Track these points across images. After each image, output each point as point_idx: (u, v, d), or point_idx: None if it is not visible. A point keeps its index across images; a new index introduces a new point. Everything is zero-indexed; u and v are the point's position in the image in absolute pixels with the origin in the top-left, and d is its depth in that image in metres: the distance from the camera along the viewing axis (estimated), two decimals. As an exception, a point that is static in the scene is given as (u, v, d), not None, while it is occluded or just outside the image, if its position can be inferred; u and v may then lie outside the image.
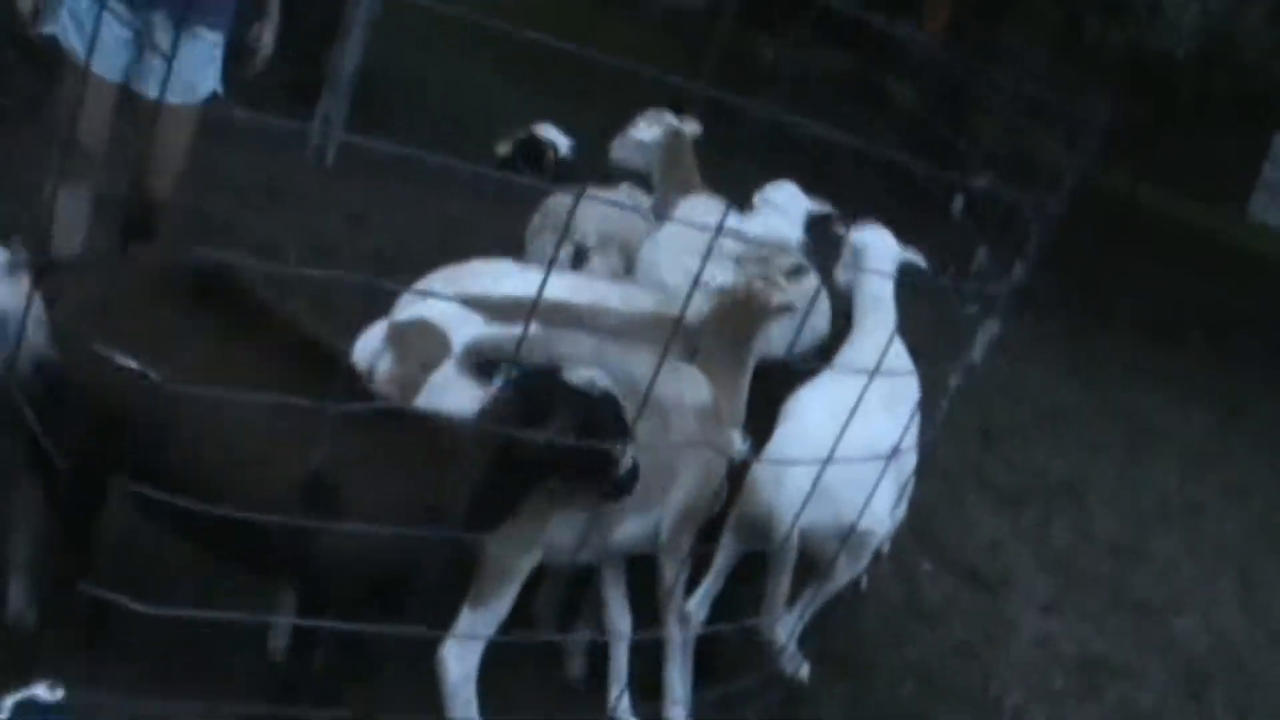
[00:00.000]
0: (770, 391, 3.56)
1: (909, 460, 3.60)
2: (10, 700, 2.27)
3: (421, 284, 3.24)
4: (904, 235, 3.99)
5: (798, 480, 3.15)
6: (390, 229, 6.18)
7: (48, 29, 3.63)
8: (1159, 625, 5.09)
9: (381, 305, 3.48)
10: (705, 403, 3.31)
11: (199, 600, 3.20)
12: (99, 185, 3.85)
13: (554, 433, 2.63)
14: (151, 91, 3.70)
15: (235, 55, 3.92)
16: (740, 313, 3.49)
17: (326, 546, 2.62)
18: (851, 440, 3.00)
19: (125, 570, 3.15)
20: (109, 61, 3.68)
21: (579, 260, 4.23)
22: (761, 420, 3.49)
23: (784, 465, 3.22)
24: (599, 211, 4.21)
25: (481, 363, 2.88)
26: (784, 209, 4.34)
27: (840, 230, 3.93)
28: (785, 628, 3.38)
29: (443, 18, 2.53)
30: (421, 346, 3.06)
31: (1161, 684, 4.64)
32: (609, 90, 4.95)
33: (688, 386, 3.32)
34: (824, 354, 3.94)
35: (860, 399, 3.00)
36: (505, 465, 2.70)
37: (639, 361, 3.12)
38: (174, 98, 3.70)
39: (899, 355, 3.69)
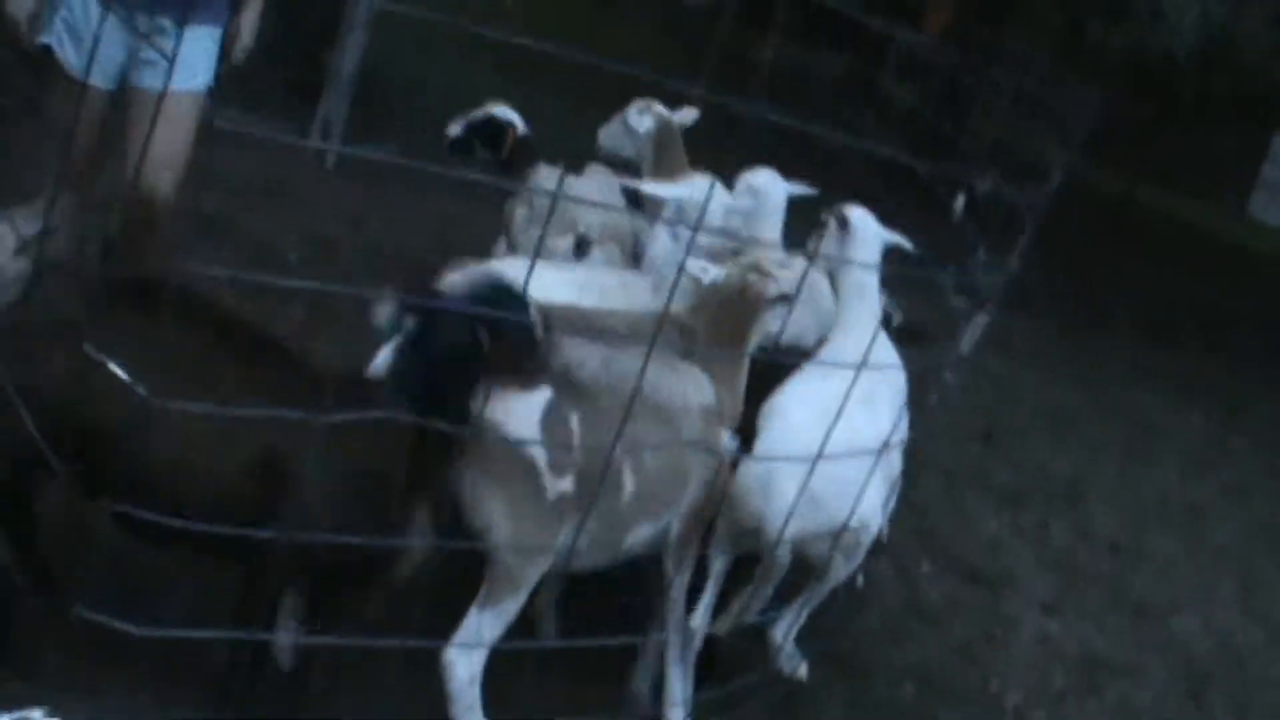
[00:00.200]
0: (764, 387, 3.53)
1: (899, 453, 3.58)
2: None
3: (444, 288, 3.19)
4: (904, 235, 3.98)
5: (785, 487, 3.13)
6: (390, 228, 6.18)
7: (43, 39, 3.59)
8: (1159, 625, 5.09)
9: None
10: (709, 403, 3.31)
11: (198, 601, 3.21)
12: (92, 188, 3.83)
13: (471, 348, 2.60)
14: (151, 86, 3.68)
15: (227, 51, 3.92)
16: (736, 307, 3.44)
17: (296, 514, 2.62)
18: (837, 440, 2.99)
19: (125, 572, 3.15)
20: (104, 70, 3.66)
21: (580, 251, 4.23)
22: (753, 418, 3.46)
23: (771, 471, 3.18)
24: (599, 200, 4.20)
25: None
26: (764, 193, 4.31)
27: (824, 214, 3.83)
28: (783, 627, 3.38)
29: (443, 17, 2.53)
30: None
31: (1161, 683, 4.64)
32: (609, 89, 4.94)
33: (692, 388, 3.31)
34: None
35: (847, 396, 2.98)
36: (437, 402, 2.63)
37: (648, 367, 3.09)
38: (174, 86, 3.64)
39: (883, 347, 3.63)
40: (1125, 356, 9.31)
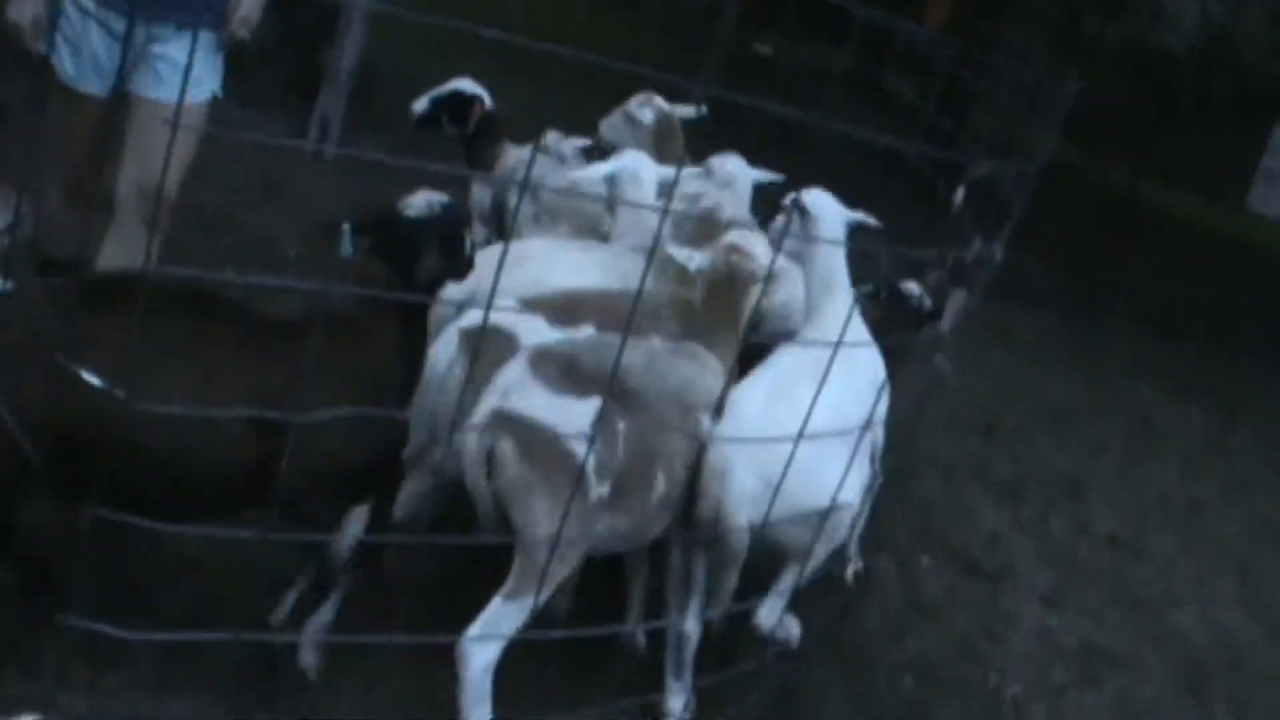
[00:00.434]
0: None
1: (878, 433, 3.52)
2: None
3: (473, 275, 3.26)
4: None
5: (741, 473, 3.12)
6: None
7: (42, 49, 3.57)
8: (1158, 619, 5.09)
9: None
10: (715, 390, 3.34)
11: (197, 602, 3.21)
12: (92, 194, 3.81)
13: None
14: (150, 94, 3.68)
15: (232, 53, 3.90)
16: (725, 290, 3.46)
17: (301, 460, 2.71)
18: (794, 422, 2.97)
19: (123, 573, 3.15)
20: (102, 79, 3.66)
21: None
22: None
23: (728, 459, 3.18)
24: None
25: (550, 369, 2.94)
26: (731, 179, 4.34)
27: (784, 201, 3.76)
28: (772, 612, 3.35)
29: (442, 16, 2.53)
30: (493, 351, 3.10)
31: (1161, 677, 4.64)
32: (609, 88, 4.94)
33: (711, 378, 3.36)
34: None
35: (824, 383, 2.95)
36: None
37: (680, 362, 3.26)
38: (173, 98, 3.64)
39: (854, 330, 3.54)
40: (1126, 351, 9.31)
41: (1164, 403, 8.31)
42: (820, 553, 3.33)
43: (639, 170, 4.02)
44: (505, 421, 2.88)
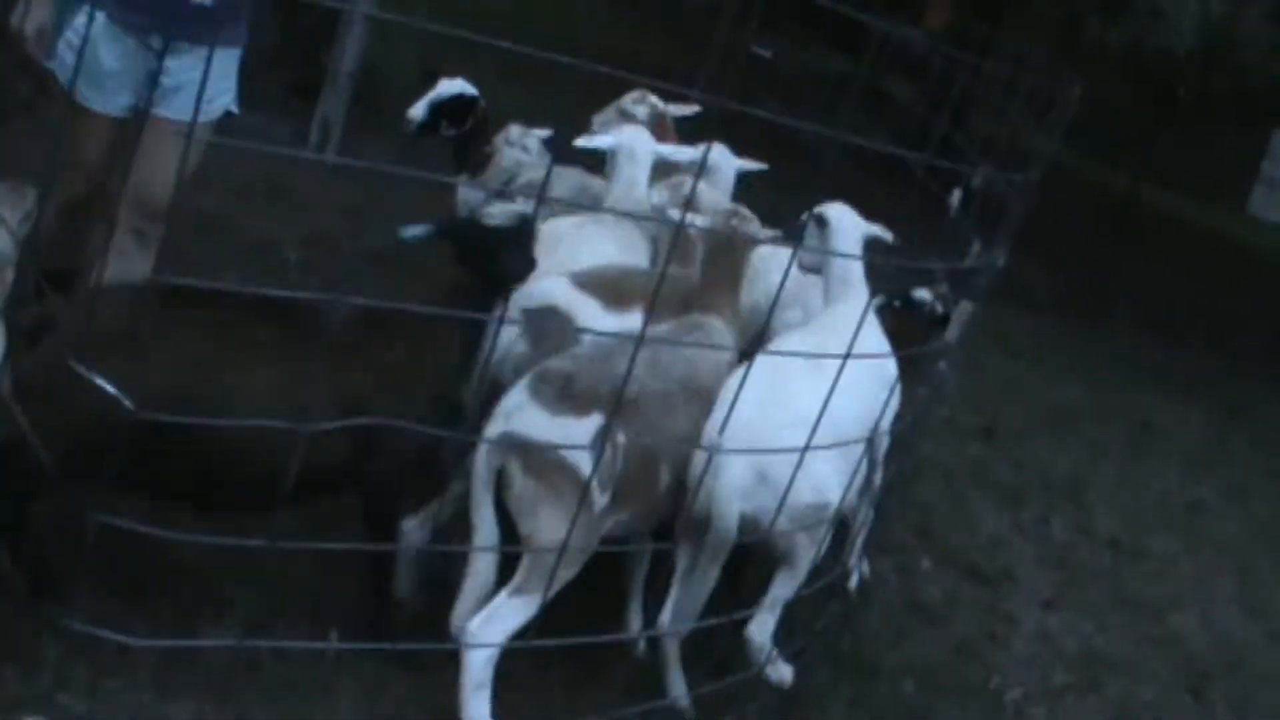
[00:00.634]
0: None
1: (861, 424, 3.43)
2: None
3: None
4: (905, 234, 3.97)
5: (731, 468, 3.12)
6: (389, 226, 6.16)
7: (49, 65, 3.47)
8: (1159, 622, 5.09)
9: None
10: (723, 359, 3.40)
11: (195, 602, 3.21)
12: (101, 207, 3.76)
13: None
14: (163, 111, 3.57)
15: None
16: (727, 254, 3.61)
17: (387, 454, 3.06)
18: (780, 418, 3.01)
19: (123, 575, 3.15)
20: (107, 97, 3.53)
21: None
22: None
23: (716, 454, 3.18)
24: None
25: (549, 391, 3.07)
26: (713, 166, 4.42)
27: (804, 215, 3.83)
28: (765, 626, 3.34)
29: (442, 16, 2.52)
30: (553, 331, 3.32)
31: (1161, 680, 4.64)
32: (608, 89, 4.95)
33: (718, 340, 3.46)
34: None
35: (838, 384, 2.96)
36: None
37: (684, 349, 3.38)
38: (185, 117, 3.54)
39: (872, 332, 3.60)
40: (1125, 355, 9.31)
41: (1164, 406, 8.32)
42: (808, 555, 3.32)
43: (636, 145, 4.19)
44: (510, 443, 3.03)
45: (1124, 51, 11.75)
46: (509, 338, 3.43)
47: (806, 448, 2.93)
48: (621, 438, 3.07)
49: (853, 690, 3.84)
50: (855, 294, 3.68)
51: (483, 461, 3.05)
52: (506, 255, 3.22)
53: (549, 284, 3.54)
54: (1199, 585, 5.60)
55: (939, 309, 4.44)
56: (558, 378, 3.10)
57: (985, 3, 13.08)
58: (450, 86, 4.86)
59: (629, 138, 4.24)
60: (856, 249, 3.74)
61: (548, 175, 3.94)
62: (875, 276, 3.84)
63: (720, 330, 3.54)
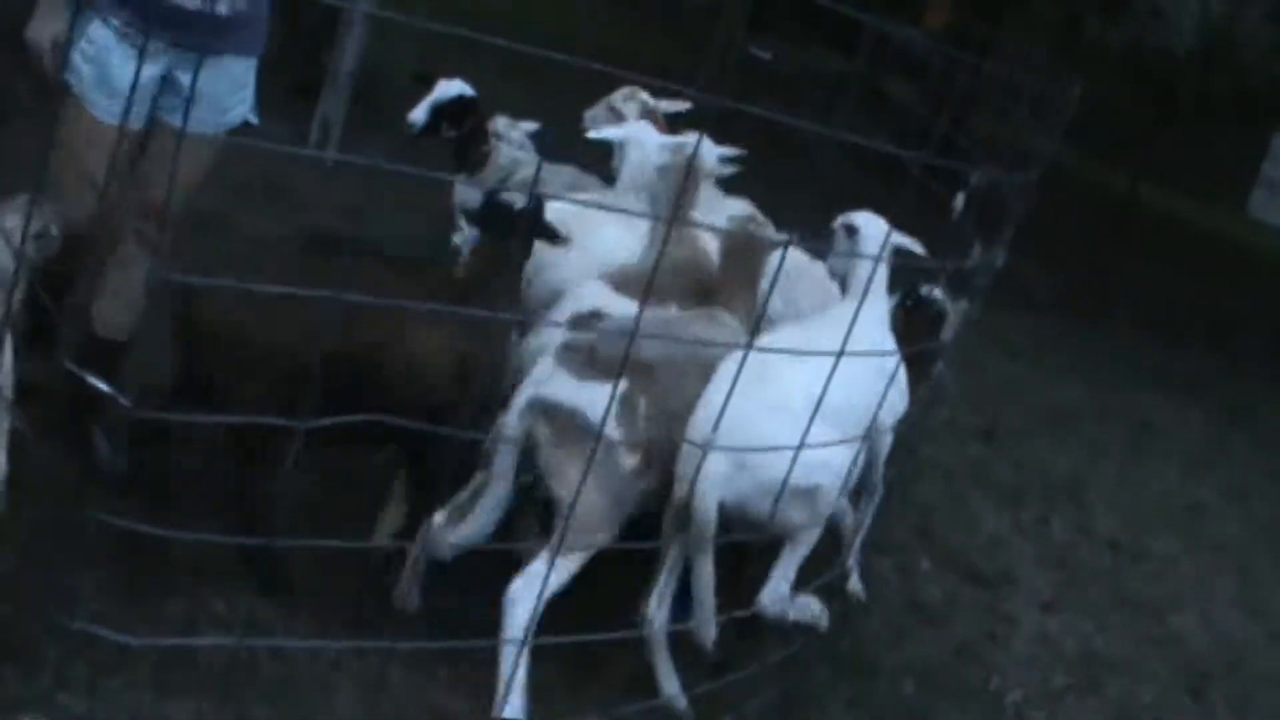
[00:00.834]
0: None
1: (855, 413, 3.43)
2: None
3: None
4: (903, 233, 3.97)
5: (713, 457, 3.11)
6: (389, 226, 6.18)
7: (65, 77, 3.38)
8: (1159, 622, 5.09)
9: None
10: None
11: (195, 602, 3.21)
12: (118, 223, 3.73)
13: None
14: (176, 121, 3.52)
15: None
16: (744, 256, 3.79)
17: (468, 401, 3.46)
18: (761, 399, 3.05)
19: (123, 575, 3.15)
20: (119, 107, 3.41)
21: None
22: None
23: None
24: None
25: (575, 359, 3.27)
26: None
27: (835, 222, 3.92)
28: (777, 590, 3.34)
29: (442, 16, 2.52)
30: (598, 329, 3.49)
31: (1162, 681, 4.64)
32: (608, 88, 4.96)
33: (729, 334, 3.58)
34: None
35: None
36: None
37: (697, 327, 3.58)
38: (200, 128, 3.51)
39: (876, 327, 3.64)
40: (1126, 355, 9.32)
41: (1164, 406, 8.32)
42: (808, 534, 3.32)
43: (644, 138, 4.38)
44: (539, 406, 3.24)
45: (1124, 51, 11.75)
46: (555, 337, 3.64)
47: (802, 447, 2.92)
48: (642, 400, 3.24)
49: (853, 690, 3.84)
50: (875, 288, 3.71)
51: (514, 425, 3.24)
52: (526, 228, 3.69)
53: (591, 289, 3.80)
54: (1199, 585, 5.60)
55: (947, 309, 4.47)
56: (583, 347, 3.28)
57: (985, 3, 13.08)
58: (449, 88, 4.88)
59: (636, 130, 4.45)
60: (883, 259, 3.77)
61: (537, 172, 4.15)
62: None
63: (734, 327, 3.67)
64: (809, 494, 3.25)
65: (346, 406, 2.77)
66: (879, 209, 3.99)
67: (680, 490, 3.25)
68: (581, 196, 4.46)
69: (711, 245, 3.99)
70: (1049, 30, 12.50)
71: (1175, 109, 13.23)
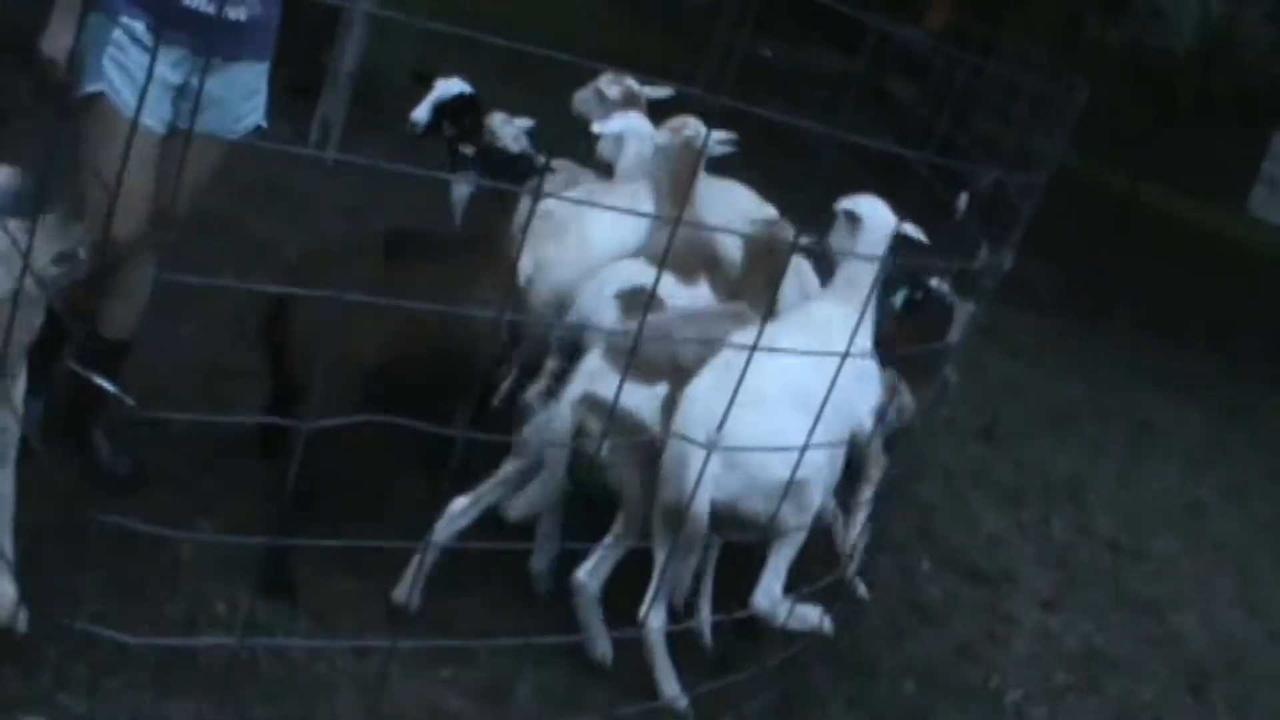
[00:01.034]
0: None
1: (846, 404, 3.43)
2: None
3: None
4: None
5: (698, 459, 3.12)
6: (389, 223, 6.17)
7: (92, 88, 3.32)
8: (1159, 621, 5.09)
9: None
10: None
11: (195, 602, 3.21)
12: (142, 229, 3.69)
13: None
14: (196, 128, 3.48)
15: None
16: (766, 259, 3.93)
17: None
18: (740, 398, 3.02)
19: (123, 575, 3.15)
20: (154, 111, 3.41)
21: None
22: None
23: (683, 443, 3.23)
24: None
25: (621, 360, 3.47)
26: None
27: (834, 208, 3.88)
28: (770, 590, 3.33)
29: (442, 16, 2.51)
30: (642, 305, 3.63)
31: (1162, 679, 4.64)
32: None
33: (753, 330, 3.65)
34: None
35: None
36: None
37: (727, 324, 3.69)
38: (215, 134, 3.52)
39: (845, 329, 3.61)
40: (1126, 355, 9.31)
41: (1164, 406, 8.32)
42: (799, 528, 3.31)
43: (641, 129, 4.60)
44: (591, 403, 3.47)
45: (1124, 51, 11.74)
46: (598, 309, 3.94)
47: (804, 445, 2.92)
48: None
49: (853, 690, 3.84)
50: (852, 296, 3.63)
51: (568, 416, 3.50)
52: (515, 168, 4.13)
53: (633, 266, 4.03)
54: (1199, 585, 5.60)
55: (957, 306, 4.47)
56: (625, 350, 3.49)
57: (985, 3, 13.07)
58: (450, 87, 4.88)
59: (635, 123, 4.66)
60: (882, 246, 3.73)
61: (538, 172, 4.17)
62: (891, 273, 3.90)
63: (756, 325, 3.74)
64: (800, 484, 3.24)
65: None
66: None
67: (668, 492, 3.25)
68: (577, 192, 4.60)
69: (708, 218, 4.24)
70: (1049, 30, 12.49)
71: (1175, 109, 13.22)
